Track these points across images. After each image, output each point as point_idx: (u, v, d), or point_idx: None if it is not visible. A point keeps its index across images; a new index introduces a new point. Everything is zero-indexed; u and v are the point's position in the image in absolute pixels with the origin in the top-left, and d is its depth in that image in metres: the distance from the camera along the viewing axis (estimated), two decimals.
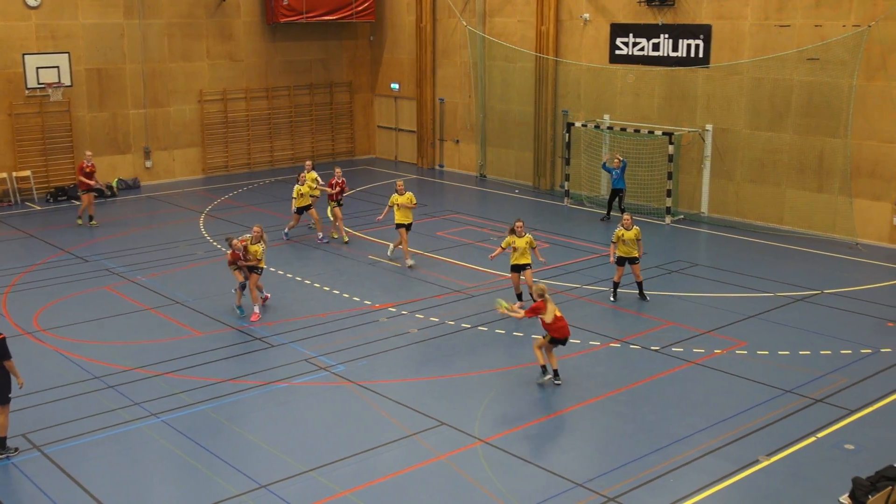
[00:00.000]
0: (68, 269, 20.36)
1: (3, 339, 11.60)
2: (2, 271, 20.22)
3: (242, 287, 17.20)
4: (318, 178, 23.03)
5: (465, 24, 30.39)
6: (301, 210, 22.41)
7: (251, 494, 10.95)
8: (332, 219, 22.71)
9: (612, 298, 17.80)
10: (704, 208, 24.86)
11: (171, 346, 15.70)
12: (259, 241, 17.15)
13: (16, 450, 11.87)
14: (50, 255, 21.46)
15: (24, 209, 26.74)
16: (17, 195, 27.51)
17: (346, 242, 22.10)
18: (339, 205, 22.46)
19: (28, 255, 21.74)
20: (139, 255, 21.44)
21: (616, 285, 17.89)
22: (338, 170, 23.08)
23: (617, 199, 24.13)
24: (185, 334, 16.33)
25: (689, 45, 24.74)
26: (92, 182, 24.47)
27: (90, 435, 12.50)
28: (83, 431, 12.59)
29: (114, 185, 28.79)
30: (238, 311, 17.14)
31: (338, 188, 22.47)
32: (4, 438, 11.81)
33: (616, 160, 23.86)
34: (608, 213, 24.35)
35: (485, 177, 30.81)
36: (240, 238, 17.23)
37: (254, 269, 17.13)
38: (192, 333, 16.35)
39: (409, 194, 20.69)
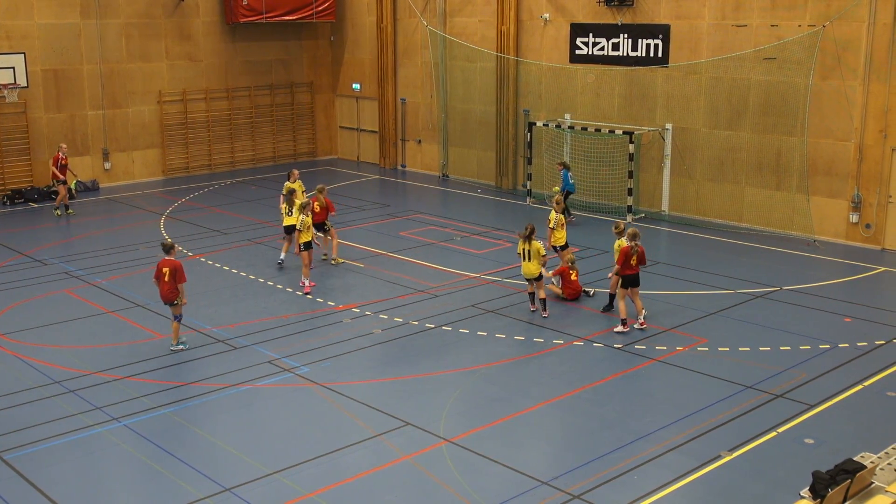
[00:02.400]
0: (26, 273, 20.08)
1: None
2: None
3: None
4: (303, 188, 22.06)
5: (425, 24, 30.41)
6: (290, 230, 20.05)
7: (215, 498, 10.87)
8: (317, 243, 20.10)
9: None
10: (665, 207, 25.10)
11: (133, 350, 15.54)
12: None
13: None
14: (7, 259, 21.14)
15: None
16: None
17: (336, 264, 20.44)
18: (326, 230, 20.34)
19: None
20: (99, 258, 21.19)
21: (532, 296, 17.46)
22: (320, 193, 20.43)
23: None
24: (147, 337, 16.17)
25: (648, 45, 24.96)
26: (61, 175, 24.98)
27: (51, 440, 12.33)
28: (43, 437, 12.42)
29: (72, 187, 28.39)
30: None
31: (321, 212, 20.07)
32: None
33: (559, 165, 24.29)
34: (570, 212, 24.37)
35: (447, 177, 30.85)
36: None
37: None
38: (154, 336, 16.20)
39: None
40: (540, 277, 16.98)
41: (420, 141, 31.95)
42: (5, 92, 26.94)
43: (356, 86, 33.78)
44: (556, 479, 11.23)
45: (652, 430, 12.50)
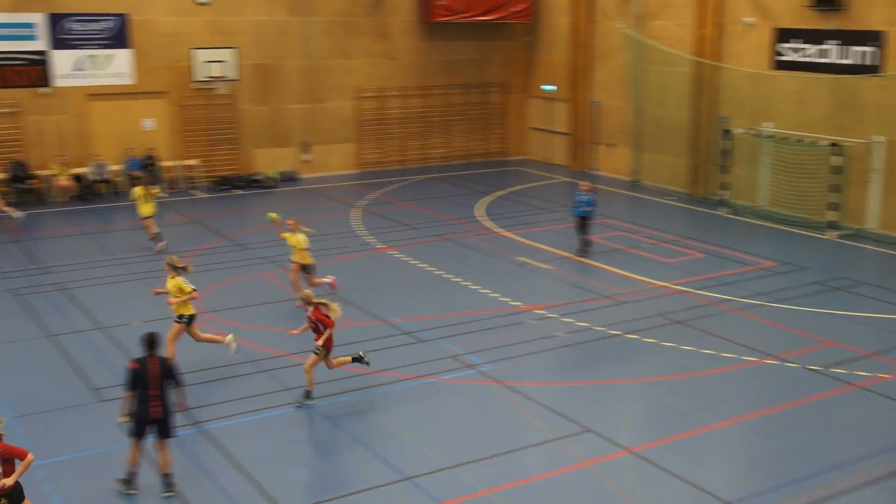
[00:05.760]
0: (230, 255, 21.18)
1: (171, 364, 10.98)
2: (168, 254, 21.17)
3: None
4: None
5: (621, 26, 29.95)
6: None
7: (396, 486, 11.08)
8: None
9: None
10: (873, 224, 23.63)
11: None
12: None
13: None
14: (213, 241, 22.36)
15: (190, 196, 28.00)
16: (184, 183, 28.89)
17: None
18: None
19: (192, 240, 22.74)
20: None
21: None
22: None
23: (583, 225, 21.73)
24: (337, 324, 16.65)
25: (859, 52, 23.59)
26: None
27: (245, 416, 12.94)
28: (237, 412, 13.05)
29: (274, 176, 29.78)
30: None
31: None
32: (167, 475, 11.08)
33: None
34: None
35: (638, 182, 30.28)
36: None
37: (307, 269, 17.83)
38: (344, 323, 16.66)
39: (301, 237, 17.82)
40: None
41: (612, 145, 31.51)
42: (216, 84, 28.55)
43: (549, 87, 33.68)
44: (742, 501, 10.78)
45: (849, 461, 11.78)
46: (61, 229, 23.92)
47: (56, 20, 26.43)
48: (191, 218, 25.05)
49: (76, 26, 26.67)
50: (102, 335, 15.95)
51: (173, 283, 14.18)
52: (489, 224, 24.34)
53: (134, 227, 22.78)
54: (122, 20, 27.17)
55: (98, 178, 27.31)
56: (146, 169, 27.74)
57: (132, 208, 21.81)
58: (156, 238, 21.52)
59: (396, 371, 14.56)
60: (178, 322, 14.28)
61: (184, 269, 14.45)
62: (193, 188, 28.87)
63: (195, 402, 13.12)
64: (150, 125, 28.74)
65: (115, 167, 27.74)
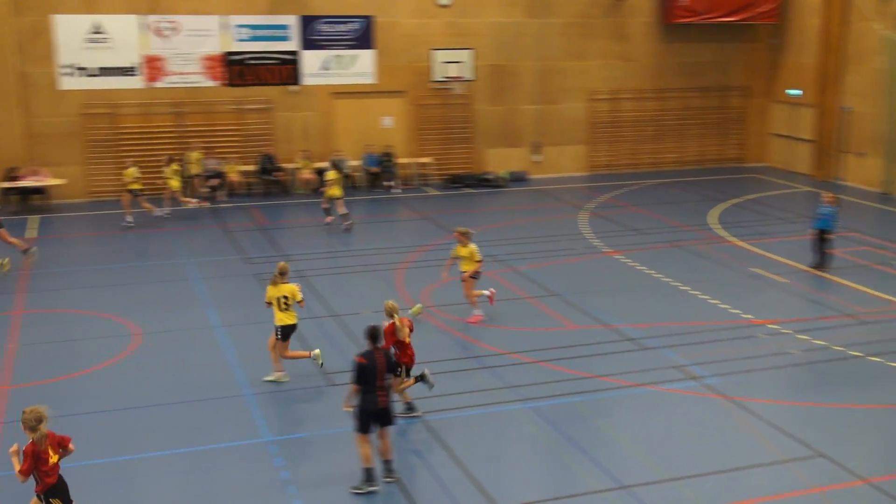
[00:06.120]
0: None
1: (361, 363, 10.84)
2: (400, 248, 21.96)
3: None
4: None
5: (879, 28, 27.96)
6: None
7: (612, 493, 10.88)
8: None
9: None
10: None
11: (545, 336, 16.07)
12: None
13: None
14: (441, 238, 22.90)
15: (422, 193, 28.82)
16: (418, 180, 29.79)
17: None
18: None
19: (422, 235, 23.41)
20: (521, 245, 22.22)
21: None
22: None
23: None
24: (559, 326, 16.64)
25: None
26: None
27: (465, 410, 13.14)
28: (458, 406, 13.27)
29: (504, 176, 30.15)
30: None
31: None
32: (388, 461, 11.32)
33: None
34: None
35: (889, 194, 28.21)
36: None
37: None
38: (565, 326, 16.63)
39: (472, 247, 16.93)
40: None
41: (863, 154, 29.51)
42: (453, 84, 29.23)
43: (795, 91, 32.00)
44: None
45: None
46: (302, 220, 25.27)
47: (307, 22, 28.03)
48: (422, 214, 25.77)
49: (325, 28, 28.16)
50: (335, 322, 16.70)
51: (289, 288, 13.82)
52: (722, 232, 23.47)
53: (369, 220, 23.73)
54: (367, 22, 28.42)
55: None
56: (383, 165, 28.84)
57: (368, 203, 22.79)
58: (345, 218, 23.48)
59: (617, 377, 14.31)
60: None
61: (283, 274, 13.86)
62: (426, 185, 29.70)
63: (418, 394, 13.46)
64: (389, 123, 29.84)
65: (353, 162, 29.01)
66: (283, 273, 13.87)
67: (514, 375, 14.32)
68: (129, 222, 24.04)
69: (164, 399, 13.51)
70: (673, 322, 16.82)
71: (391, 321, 12.57)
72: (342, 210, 23.64)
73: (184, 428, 12.68)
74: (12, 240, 20.22)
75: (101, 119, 27.02)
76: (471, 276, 16.79)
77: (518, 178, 30.71)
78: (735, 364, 14.79)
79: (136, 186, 24.16)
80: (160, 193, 25.36)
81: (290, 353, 14.04)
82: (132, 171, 24.28)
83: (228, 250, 21.80)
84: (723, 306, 17.64)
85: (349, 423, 11.32)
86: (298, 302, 13.96)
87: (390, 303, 12.77)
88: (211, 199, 26.93)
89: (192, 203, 25.64)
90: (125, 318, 16.78)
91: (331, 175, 23.78)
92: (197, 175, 26.82)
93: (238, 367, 14.62)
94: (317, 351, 14.21)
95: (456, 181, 29.72)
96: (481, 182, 29.72)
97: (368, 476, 10.93)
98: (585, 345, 15.63)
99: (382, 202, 27.69)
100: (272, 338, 13.96)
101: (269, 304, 13.84)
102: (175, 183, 24.82)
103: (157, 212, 24.78)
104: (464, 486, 11.07)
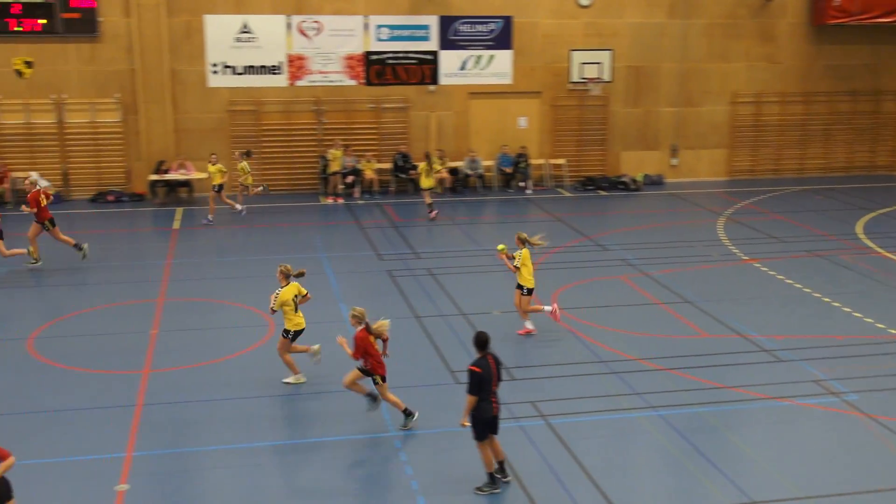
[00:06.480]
0: (588, 255, 21.37)
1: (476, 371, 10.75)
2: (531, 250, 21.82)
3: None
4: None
5: None
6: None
7: None
8: None
9: None
10: None
11: (677, 343, 15.70)
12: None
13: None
14: (573, 240, 22.69)
15: (555, 194, 28.63)
16: (551, 181, 29.61)
17: None
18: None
19: (553, 237, 23.18)
20: (655, 250, 21.78)
21: None
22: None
23: None
24: (692, 333, 16.23)
25: None
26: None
27: (590, 415, 12.97)
28: (584, 410, 13.10)
29: (639, 179, 29.66)
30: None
31: None
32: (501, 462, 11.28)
33: None
34: None
35: None
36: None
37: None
38: (699, 334, 16.19)
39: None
40: None
41: None
42: (590, 85, 28.91)
43: None
44: None
45: None
46: (435, 218, 25.48)
47: (447, 23, 28.25)
48: (554, 215, 25.59)
49: (464, 28, 28.33)
50: (464, 321, 16.75)
51: (289, 290, 13.63)
52: (869, 243, 22.39)
53: (502, 220, 23.69)
54: (506, 22, 28.43)
55: (471, 172, 28.74)
56: (517, 166, 28.78)
57: (501, 203, 22.74)
58: (430, 208, 24.60)
59: (751, 389, 13.83)
60: (283, 336, 13.87)
61: (300, 275, 13.85)
62: (559, 186, 29.49)
63: (544, 396, 13.38)
64: (523, 124, 29.77)
65: (487, 163, 29.05)
66: (298, 274, 13.78)
67: (642, 382, 14.04)
68: (242, 211, 24.73)
69: (294, 389, 13.84)
70: (812, 334, 16.16)
71: (361, 327, 12.28)
72: (428, 200, 24.66)
73: (312, 418, 12.97)
74: (63, 237, 20.42)
75: (245, 116, 27.94)
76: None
77: (654, 182, 30.14)
78: (879, 381, 14.08)
79: (218, 181, 24.28)
80: (292, 189, 25.90)
81: (295, 347, 13.92)
82: (244, 166, 24.91)
83: (363, 246, 22.19)
84: (867, 320, 16.82)
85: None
86: (305, 296, 13.82)
87: (359, 309, 12.45)
88: (347, 195, 27.47)
89: (252, 192, 25.42)
90: (260, 309, 17.29)
91: (422, 166, 24.72)
92: (335, 172, 27.38)
93: None
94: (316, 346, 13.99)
95: (589, 183, 29.39)
96: (615, 185, 29.30)
97: (492, 479, 10.95)
98: (718, 354, 15.18)
99: (515, 202, 27.65)
100: (283, 340, 13.82)
101: (279, 309, 13.66)
102: (218, 178, 24.43)
103: (239, 207, 24.91)
104: (588, 493, 10.91)
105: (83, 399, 13.44)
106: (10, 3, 25.78)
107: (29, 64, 26.39)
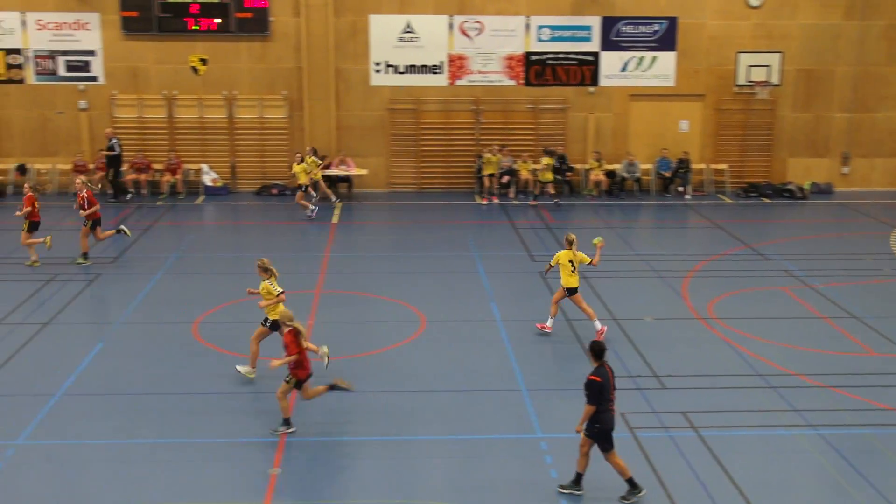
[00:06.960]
0: (748, 264, 20.63)
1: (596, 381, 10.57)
2: (687, 256, 21.32)
3: None
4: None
5: None
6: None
7: None
8: None
9: None
10: None
11: (841, 360, 14.94)
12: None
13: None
14: (732, 248, 21.96)
15: (715, 201, 27.79)
16: (711, 186, 28.76)
17: None
18: None
19: (712, 244, 22.58)
20: (820, 262, 20.83)
21: None
22: None
23: None
24: (858, 351, 15.41)
25: None
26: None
27: (744, 429, 12.50)
28: (737, 424, 12.64)
29: (806, 187, 28.45)
30: None
31: None
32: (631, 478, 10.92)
33: None
34: None
35: None
36: None
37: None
38: (866, 352, 15.36)
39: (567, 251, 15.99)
40: None
41: None
42: (757, 89, 27.90)
43: None
44: None
45: None
46: (588, 220, 25.17)
47: (610, 23, 27.89)
48: (714, 222, 24.83)
49: (627, 29, 27.89)
50: (616, 326, 16.45)
51: (263, 285, 13.72)
52: None
53: (659, 225, 23.14)
54: (671, 23, 27.81)
55: (629, 175, 28.24)
56: (677, 170, 28.08)
57: (659, 207, 22.17)
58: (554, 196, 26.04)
59: None
60: (262, 325, 13.93)
61: (272, 271, 13.75)
62: (720, 193, 28.60)
63: (696, 407, 12.99)
64: (685, 127, 29.02)
65: (645, 166, 28.49)
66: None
67: (801, 399, 13.42)
68: (313, 213, 24.63)
69: (443, 385, 13.95)
70: None
71: (289, 328, 12.07)
72: (551, 191, 26.54)
73: (459, 416, 13.02)
74: (104, 234, 20.53)
75: (405, 114, 28.39)
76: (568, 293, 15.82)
77: (822, 191, 28.80)
78: None
79: (304, 181, 24.53)
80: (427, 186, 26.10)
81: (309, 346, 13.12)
82: (313, 161, 25.17)
83: (516, 246, 22.16)
84: None
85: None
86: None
87: (287, 311, 12.34)
88: (503, 195, 27.52)
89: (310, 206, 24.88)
90: (413, 305, 17.52)
91: (546, 161, 26.48)
92: (491, 174, 27.43)
93: (515, 362, 14.80)
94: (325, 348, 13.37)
95: (752, 190, 28.38)
96: (780, 192, 28.18)
97: (633, 485, 10.74)
98: (885, 374, 14.36)
99: (673, 208, 26.99)
100: (260, 330, 13.94)
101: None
102: (304, 178, 24.58)
103: (311, 208, 24.75)
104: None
105: (241, 384, 13.94)
106: (188, 2, 27.11)
107: (204, 61, 27.70)
